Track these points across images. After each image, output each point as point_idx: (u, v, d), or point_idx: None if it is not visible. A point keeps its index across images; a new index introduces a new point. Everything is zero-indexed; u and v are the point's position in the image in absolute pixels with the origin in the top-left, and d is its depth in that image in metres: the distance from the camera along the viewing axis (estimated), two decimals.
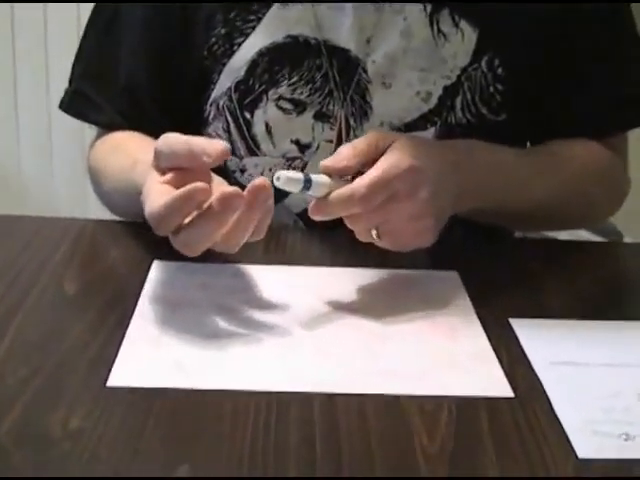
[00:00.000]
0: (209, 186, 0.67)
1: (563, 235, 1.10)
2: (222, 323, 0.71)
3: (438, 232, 0.78)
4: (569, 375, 0.67)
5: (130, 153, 0.90)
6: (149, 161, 0.75)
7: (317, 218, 0.73)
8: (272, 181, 0.70)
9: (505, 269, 0.85)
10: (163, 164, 0.72)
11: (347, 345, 0.69)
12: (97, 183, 0.98)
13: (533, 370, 0.67)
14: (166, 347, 0.68)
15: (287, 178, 0.70)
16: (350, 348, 0.69)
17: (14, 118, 2.24)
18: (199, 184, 0.66)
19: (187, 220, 0.68)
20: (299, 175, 0.71)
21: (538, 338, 0.72)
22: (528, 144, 1.01)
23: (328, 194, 0.72)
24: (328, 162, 0.74)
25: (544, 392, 0.65)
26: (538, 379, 0.66)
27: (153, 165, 0.74)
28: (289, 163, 0.95)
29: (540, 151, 0.95)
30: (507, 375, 0.66)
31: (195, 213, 0.68)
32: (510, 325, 0.74)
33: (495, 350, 0.70)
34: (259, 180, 0.67)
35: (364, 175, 0.73)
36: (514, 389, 0.65)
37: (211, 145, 0.69)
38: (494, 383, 0.65)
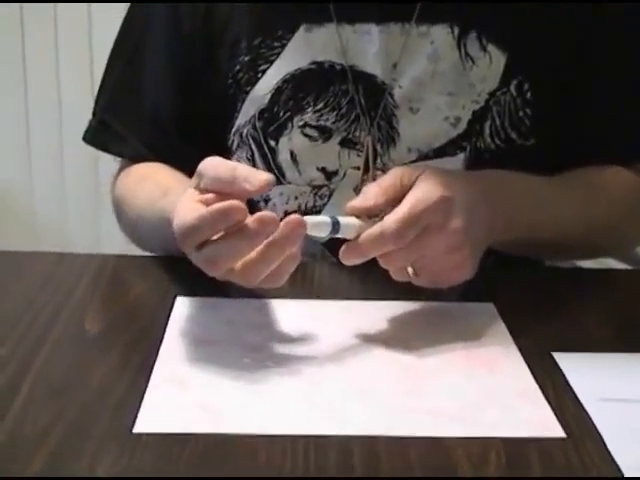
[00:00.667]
0: (246, 208, 0.65)
1: (589, 263, 1.07)
2: (250, 361, 0.68)
3: (476, 264, 0.75)
4: (621, 412, 0.63)
5: (160, 183, 0.88)
6: (181, 191, 0.73)
7: (349, 262, 0.70)
8: (297, 212, 0.67)
9: (541, 300, 0.82)
10: (204, 185, 0.69)
11: (383, 382, 0.66)
12: (122, 213, 0.96)
13: (582, 407, 0.63)
14: (193, 389, 0.64)
15: (313, 223, 0.67)
16: (387, 385, 0.66)
17: (27, 152, 2.23)
18: (237, 202, 0.64)
19: (215, 237, 0.66)
20: (326, 219, 0.68)
21: (584, 373, 0.68)
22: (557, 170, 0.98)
23: (358, 236, 0.70)
24: (355, 203, 0.72)
25: (596, 431, 0.61)
26: (589, 417, 0.62)
27: (192, 185, 0.71)
28: (315, 191, 0.92)
29: (571, 180, 0.92)
30: (555, 413, 0.63)
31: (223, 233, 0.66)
32: (553, 359, 0.70)
33: (540, 386, 0.66)
34: (296, 216, 0.65)
35: (393, 212, 0.70)
36: (564, 428, 0.61)
37: (255, 174, 0.66)
38: (543, 422, 0.61)
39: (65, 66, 2.14)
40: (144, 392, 0.64)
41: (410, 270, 0.72)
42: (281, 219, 0.66)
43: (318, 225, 0.68)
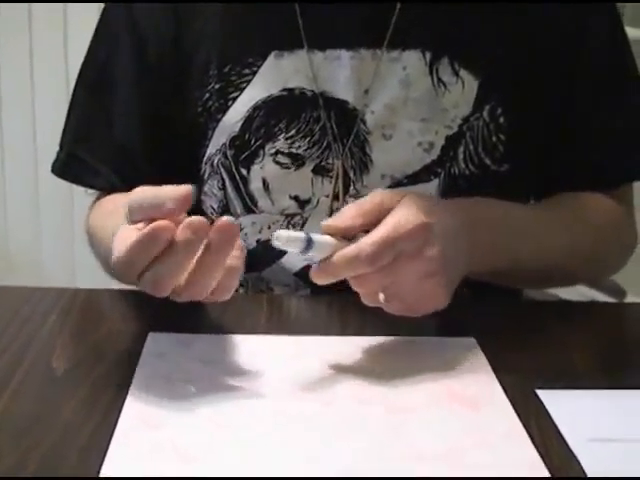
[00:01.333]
0: (173, 224, 0.62)
1: (564, 292, 1.06)
2: (224, 401, 0.65)
3: (450, 294, 0.73)
4: (610, 453, 0.61)
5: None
6: None
7: (320, 281, 0.68)
8: (271, 241, 0.65)
9: (523, 333, 0.79)
10: (134, 217, 0.66)
11: (365, 423, 0.63)
12: (93, 246, 0.93)
13: (569, 448, 0.61)
14: (164, 430, 0.62)
15: (287, 238, 0.65)
16: (369, 426, 0.63)
17: (1, 182, 2.20)
18: (161, 222, 0.62)
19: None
20: (300, 234, 0.66)
21: (570, 411, 0.66)
22: (532, 196, 0.97)
23: (331, 255, 0.67)
24: (331, 221, 0.70)
25: (583, 473, 0.58)
26: (576, 458, 0.60)
27: (124, 221, 0.68)
28: (288, 220, 0.90)
29: (551, 207, 0.91)
30: (541, 454, 0.60)
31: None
32: (538, 396, 0.68)
33: (525, 425, 0.64)
34: (226, 218, 0.62)
35: (370, 233, 0.68)
36: (550, 470, 0.58)
37: (175, 190, 0.63)
38: (529, 464, 0.59)
39: (40, 99, 2.12)
40: (112, 433, 0.61)
41: (381, 296, 0.70)
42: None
43: (291, 240, 0.66)
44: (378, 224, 0.69)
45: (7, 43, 2.11)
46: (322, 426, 0.63)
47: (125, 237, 0.65)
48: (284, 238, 0.65)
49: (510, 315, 0.83)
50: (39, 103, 2.13)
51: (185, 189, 0.63)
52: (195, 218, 0.62)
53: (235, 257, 0.64)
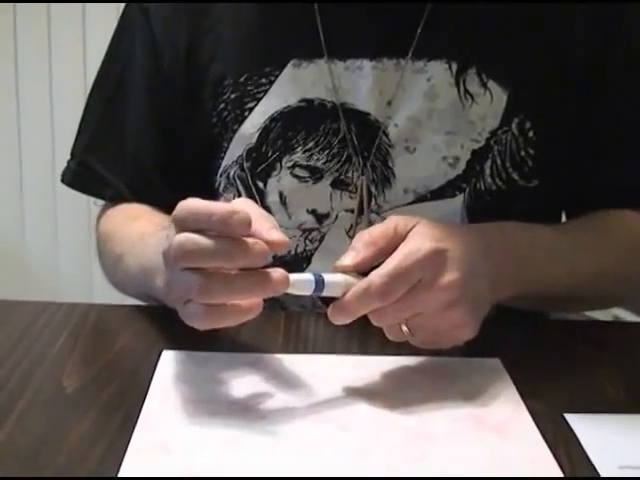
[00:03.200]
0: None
1: (596, 314, 1.03)
2: (240, 423, 0.63)
3: (479, 323, 0.70)
4: None
5: (156, 221, 0.84)
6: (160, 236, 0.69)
7: (338, 322, 0.66)
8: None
9: (549, 355, 0.77)
10: (189, 225, 0.63)
11: (387, 448, 0.61)
12: (105, 249, 0.91)
13: (599, 476, 0.58)
14: (177, 455, 0.59)
15: (295, 281, 0.63)
16: (392, 451, 0.60)
17: (19, 198, 2.19)
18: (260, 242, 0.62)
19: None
20: (308, 277, 0.64)
21: (601, 437, 0.63)
22: (563, 213, 0.94)
23: (345, 294, 0.65)
24: (342, 261, 0.67)
25: None
26: None
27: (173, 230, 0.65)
28: (305, 235, 0.88)
29: (581, 227, 0.87)
30: None
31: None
32: (566, 421, 0.65)
33: (553, 451, 0.61)
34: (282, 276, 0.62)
35: (381, 267, 0.65)
36: None
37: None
38: None
39: (59, 112, 2.11)
40: (123, 457, 0.58)
41: (405, 329, 0.67)
42: (268, 266, 0.61)
43: (300, 282, 0.63)
44: (392, 253, 0.66)
45: (26, 48, 2.11)
46: (339, 452, 0.60)
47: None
48: (292, 282, 0.62)
49: (535, 334, 0.81)
50: (57, 115, 2.12)
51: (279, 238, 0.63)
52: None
53: None
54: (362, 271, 0.67)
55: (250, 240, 0.61)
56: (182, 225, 0.63)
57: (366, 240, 0.67)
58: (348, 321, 0.66)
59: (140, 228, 0.85)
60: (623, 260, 0.86)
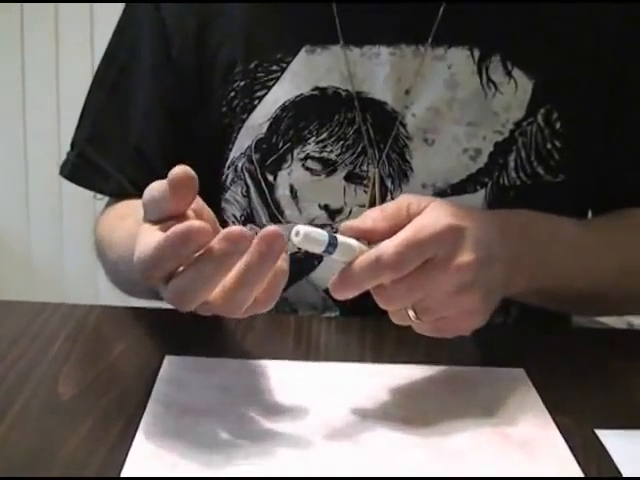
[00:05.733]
0: (210, 229, 0.54)
1: (612, 321, 0.98)
2: (246, 435, 0.59)
3: (489, 311, 0.65)
4: None
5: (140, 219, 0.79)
6: None
7: (339, 294, 0.60)
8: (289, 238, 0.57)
9: (577, 365, 0.72)
10: (150, 216, 0.59)
11: (404, 465, 0.56)
12: (103, 254, 0.87)
13: None
14: (179, 467, 0.55)
15: (307, 235, 0.57)
16: (413, 470, 0.56)
17: (24, 198, 2.16)
18: (197, 222, 0.54)
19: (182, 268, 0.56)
20: (322, 233, 0.58)
21: (634, 454, 0.58)
22: (590, 211, 0.90)
23: (352, 262, 0.60)
24: (350, 222, 0.62)
25: None
26: None
27: (144, 221, 0.61)
28: None
29: (607, 223, 0.83)
30: None
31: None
32: (597, 437, 0.61)
33: (584, 471, 0.57)
34: (272, 228, 0.55)
35: (393, 237, 0.60)
36: None
37: (172, 172, 0.56)
38: None
39: (66, 113, 2.08)
40: (121, 469, 0.54)
41: (411, 313, 0.62)
42: None
43: (312, 238, 0.58)
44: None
45: (33, 48, 2.08)
46: (353, 469, 0.56)
47: (151, 234, 0.57)
48: (304, 234, 0.57)
49: (560, 343, 0.76)
50: (64, 114, 2.09)
51: (180, 169, 0.56)
52: (235, 228, 0.54)
53: (281, 258, 0.57)
54: (371, 241, 0.62)
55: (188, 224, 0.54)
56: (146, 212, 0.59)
57: (377, 215, 0.62)
58: (351, 294, 0.60)
59: (126, 230, 0.81)
60: None
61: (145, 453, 0.56)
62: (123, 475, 0.54)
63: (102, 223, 0.89)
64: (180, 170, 0.56)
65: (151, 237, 0.56)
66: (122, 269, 0.81)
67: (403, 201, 0.63)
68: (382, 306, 0.61)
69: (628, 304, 0.86)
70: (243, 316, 0.58)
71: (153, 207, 0.59)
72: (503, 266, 0.66)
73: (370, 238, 0.61)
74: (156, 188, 0.58)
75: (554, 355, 0.73)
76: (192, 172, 0.56)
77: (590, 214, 0.89)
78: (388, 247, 0.59)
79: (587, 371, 0.71)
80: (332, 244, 0.58)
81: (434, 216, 0.61)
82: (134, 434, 0.58)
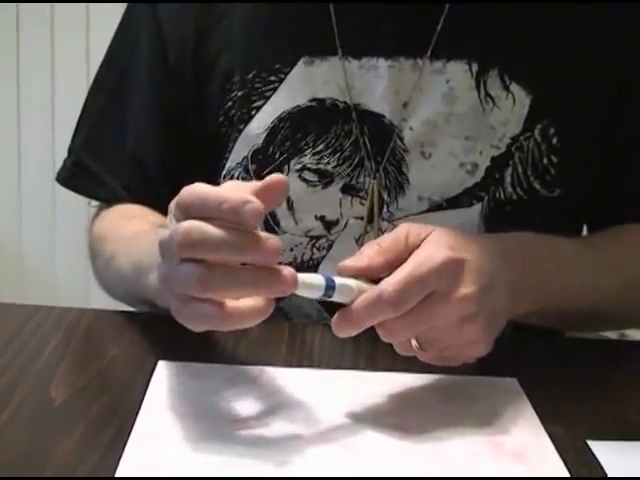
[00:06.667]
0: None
1: (608, 334, 0.98)
2: (240, 442, 0.58)
3: (493, 340, 0.65)
4: None
5: (151, 220, 0.80)
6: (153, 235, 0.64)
7: (343, 334, 0.60)
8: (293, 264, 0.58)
9: (570, 375, 0.72)
10: (195, 213, 0.58)
11: (396, 471, 0.56)
12: (98, 250, 0.87)
13: None
14: (171, 474, 0.55)
15: (305, 282, 0.57)
16: (401, 475, 0.56)
17: (17, 199, 2.15)
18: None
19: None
20: (319, 279, 0.58)
21: (629, 468, 0.58)
22: (585, 226, 0.90)
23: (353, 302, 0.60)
24: (346, 262, 0.62)
25: None
26: None
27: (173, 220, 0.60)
28: (313, 242, 0.83)
29: (605, 240, 0.83)
30: None
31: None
32: (589, 448, 0.61)
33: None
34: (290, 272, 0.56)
35: (393, 273, 0.60)
36: None
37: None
38: None
39: (60, 114, 2.07)
40: (113, 475, 0.54)
41: (414, 343, 0.62)
42: None
43: (308, 285, 0.58)
44: (402, 263, 0.61)
45: (29, 48, 2.07)
46: (344, 473, 0.56)
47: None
48: (300, 283, 0.57)
49: (553, 353, 0.76)
50: (59, 115, 2.08)
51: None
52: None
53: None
54: (370, 278, 0.62)
55: (263, 234, 0.56)
56: (187, 211, 0.57)
57: (373, 249, 0.62)
58: (354, 333, 0.60)
59: (134, 227, 0.81)
60: None
61: (137, 459, 0.56)
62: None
63: (101, 222, 0.89)
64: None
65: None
66: (118, 263, 0.80)
67: (401, 232, 0.63)
68: (385, 340, 0.62)
69: (626, 320, 0.86)
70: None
71: (201, 208, 0.57)
72: (505, 293, 0.66)
73: (368, 275, 0.61)
74: (210, 195, 0.57)
75: (547, 365, 0.73)
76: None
77: (586, 230, 0.90)
78: (388, 285, 0.59)
79: (580, 381, 0.71)
80: (330, 287, 0.59)
81: (433, 249, 0.61)
82: (126, 439, 0.58)
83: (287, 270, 0.56)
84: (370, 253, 0.62)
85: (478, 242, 0.66)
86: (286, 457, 0.57)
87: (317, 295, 0.59)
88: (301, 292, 0.58)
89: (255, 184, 0.58)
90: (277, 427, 0.60)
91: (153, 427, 0.60)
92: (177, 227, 0.56)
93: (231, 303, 0.56)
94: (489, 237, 0.73)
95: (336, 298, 0.59)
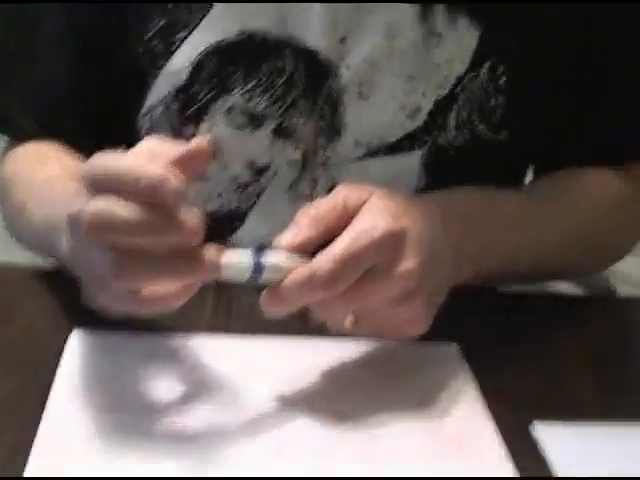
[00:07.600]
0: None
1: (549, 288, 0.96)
2: (157, 439, 0.54)
3: (432, 316, 0.61)
4: None
5: (66, 164, 0.75)
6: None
7: (271, 313, 0.56)
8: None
9: (509, 337, 0.69)
10: (98, 186, 0.53)
11: (329, 472, 0.53)
12: (10, 196, 0.80)
13: None
14: (86, 467, 0.51)
15: (227, 266, 0.53)
16: (339, 467, 0.53)
17: None
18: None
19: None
20: (245, 259, 0.54)
21: (569, 449, 0.56)
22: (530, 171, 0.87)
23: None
24: (283, 240, 0.57)
25: None
26: None
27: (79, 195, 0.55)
28: (241, 190, 0.78)
29: (546, 189, 0.80)
30: None
31: None
32: (531, 429, 0.58)
33: (517, 465, 0.55)
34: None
35: (328, 248, 0.55)
36: None
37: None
38: None
39: None
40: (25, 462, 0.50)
41: (349, 319, 0.58)
42: None
43: (233, 266, 0.54)
44: (344, 228, 0.57)
45: None
46: (273, 451, 0.53)
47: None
48: (223, 265, 0.53)
49: (491, 315, 0.72)
50: None
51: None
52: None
53: None
54: (307, 251, 0.57)
55: (183, 214, 0.51)
56: (96, 186, 0.52)
57: (312, 216, 0.58)
58: (285, 313, 0.56)
59: (47, 172, 0.75)
60: (596, 226, 0.79)
61: (49, 447, 0.52)
62: (26, 474, 0.49)
63: (12, 163, 0.82)
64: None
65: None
66: (29, 212, 0.74)
67: (339, 195, 0.59)
68: (320, 318, 0.58)
69: (567, 272, 0.84)
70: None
71: (104, 181, 0.53)
72: (448, 263, 0.62)
73: (305, 249, 0.57)
74: (124, 169, 0.53)
75: (485, 325, 0.69)
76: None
77: (531, 174, 0.86)
78: (322, 263, 0.55)
79: (514, 341, 0.68)
80: (259, 269, 0.54)
81: (372, 219, 0.57)
82: (37, 426, 0.54)
83: (210, 255, 0.52)
84: (306, 222, 0.57)
85: (418, 207, 0.62)
86: (207, 455, 0.53)
87: (244, 277, 0.54)
88: (225, 275, 0.53)
89: (176, 150, 0.53)
90: (198, 418, 0.56)
91: (65, 411, 0.55)
92: (86, 207, 0.51)
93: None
94: (429, 200, 0.69)
95: (267, 276, 0.55)
